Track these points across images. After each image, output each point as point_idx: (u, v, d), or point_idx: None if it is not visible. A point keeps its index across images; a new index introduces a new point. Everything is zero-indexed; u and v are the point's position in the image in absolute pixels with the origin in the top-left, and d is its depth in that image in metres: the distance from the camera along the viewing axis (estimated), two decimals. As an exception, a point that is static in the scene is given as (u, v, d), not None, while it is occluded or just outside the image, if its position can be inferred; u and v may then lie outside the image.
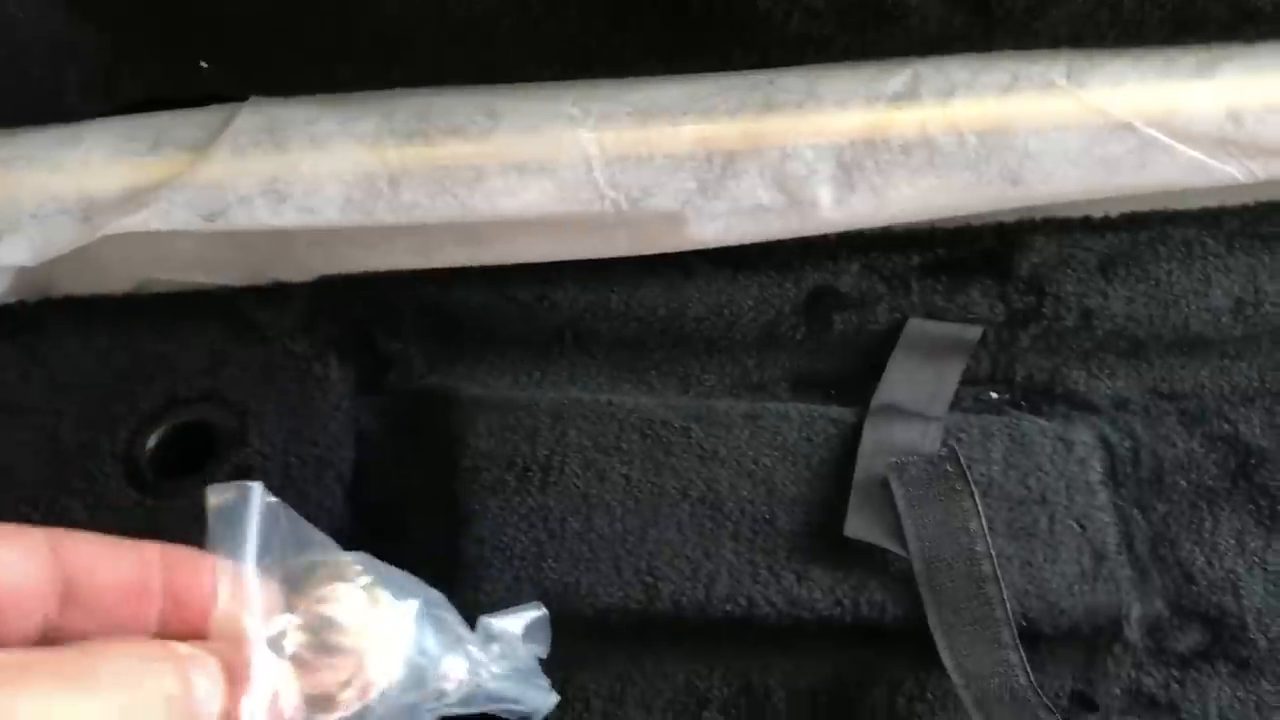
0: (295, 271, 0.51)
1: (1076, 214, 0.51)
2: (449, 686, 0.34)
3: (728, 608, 0.44)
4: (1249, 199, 0.52)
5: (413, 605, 0.33)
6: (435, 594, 0.35)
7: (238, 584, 0.30)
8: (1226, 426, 0.50)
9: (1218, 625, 0.46)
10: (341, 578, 0.32)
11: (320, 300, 0.51)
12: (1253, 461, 0.48)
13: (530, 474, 0.46)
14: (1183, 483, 0.48)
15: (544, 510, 0.45)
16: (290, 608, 0.31)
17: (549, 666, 0.38)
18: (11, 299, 0.50)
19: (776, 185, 0.46)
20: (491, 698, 0.35)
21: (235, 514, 0.30)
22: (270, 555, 0.31)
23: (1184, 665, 0.45)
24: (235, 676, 0.28)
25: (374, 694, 0.31)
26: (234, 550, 0.30)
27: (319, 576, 0.32)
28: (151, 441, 0.47)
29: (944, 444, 0.46)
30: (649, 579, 0.44)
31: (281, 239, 0.48)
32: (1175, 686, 0.44)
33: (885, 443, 0.46)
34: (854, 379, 0.50)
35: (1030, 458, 0.47)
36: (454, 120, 0.46)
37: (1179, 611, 0.46)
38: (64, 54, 0.45)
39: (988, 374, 0.51)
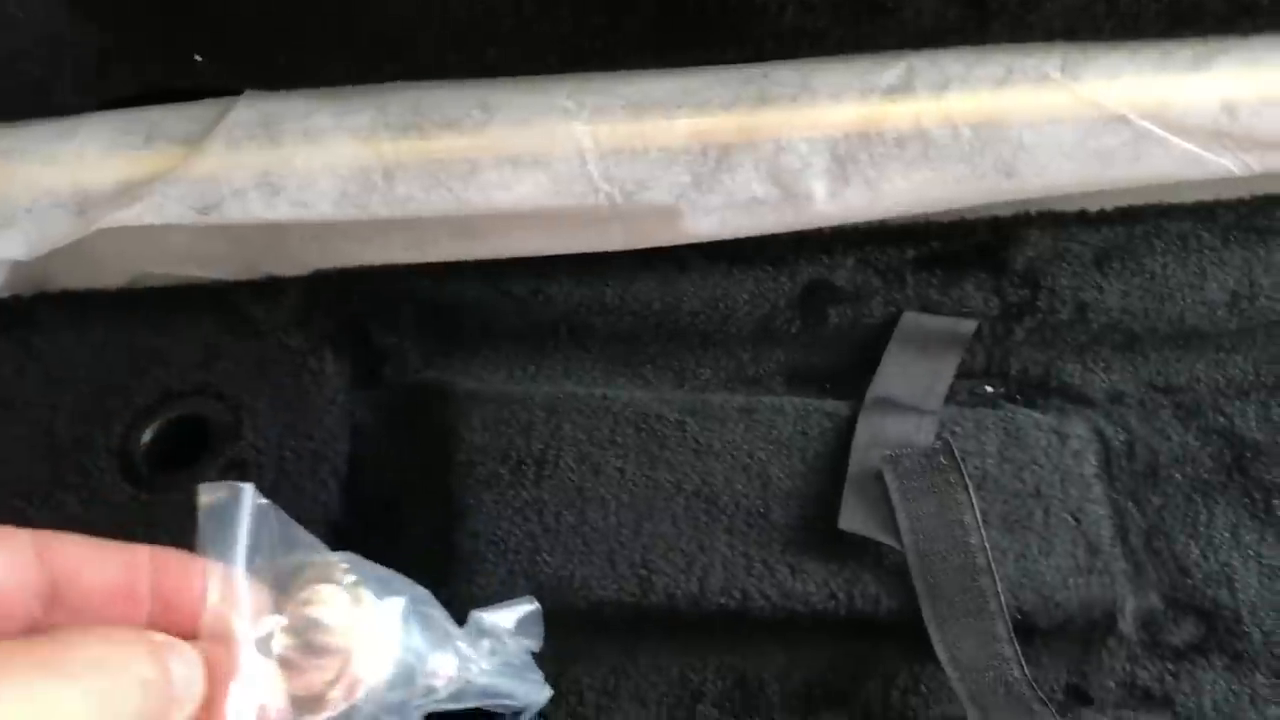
0: (290, 265, 0.51)
1: (1071, 208, 0.51)
2: (438, 683, 0.34)
3: (722, 601, 0.44)
4: (1244, 192, 0.52)
5: (398, 603, 0.33)
6: (422, 591, 0.35)
7: (228, 586, 0.30)
8: (1222, 420, 0.50)
9: (1212, 618, 0.46)
10: (327, 579, 0.32)
11: (315, 294, 0.51)
12: (1248, 455, 0.48)
13: (525, 468, 0.46)
14: (1178, 476, 0.48)
15: (539, 504, 0.45)
16: (278, 609, 0.31)
17: (543, 660, 0.38)
18: (6, 293, 0.50)
19: (771, 179, 0.46)
20: (483, 693, 0.35)
21: (226, 515, 0.31)
22: (260, 557, 0.31)
23: (1179, 658, 0.45)
24: (223, 678, 0.28)
25: (361, 692, 0.31)
26: (224, 552, 0.30)
27: (305, 578, 0.32)
28: (146, 436, 0.47)
29: (939, 437, 0.46)
30: (643, 572, 0.44)
31: (276, 233, 0.48)
32: (1170, 679, 0.44)
33: (880, 436, 0.46)
34: (849, 373, 0.50)
35: (1025, 451, 0.47)
36: (448, 114, 0.46)
37: (1174, 604, 0.46)
38: (58, 48, 0.45)
39: (982, 367, 0.51)
